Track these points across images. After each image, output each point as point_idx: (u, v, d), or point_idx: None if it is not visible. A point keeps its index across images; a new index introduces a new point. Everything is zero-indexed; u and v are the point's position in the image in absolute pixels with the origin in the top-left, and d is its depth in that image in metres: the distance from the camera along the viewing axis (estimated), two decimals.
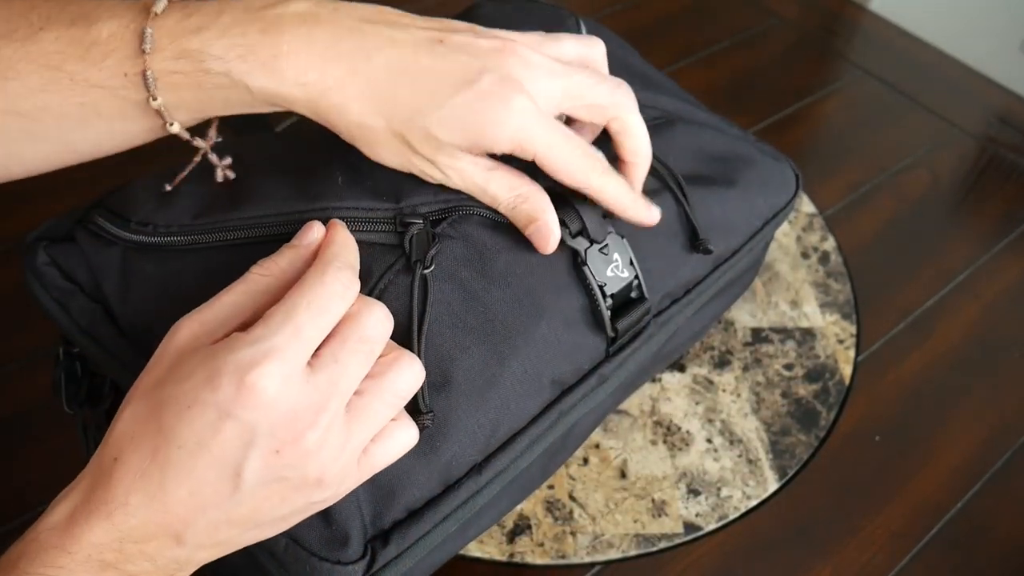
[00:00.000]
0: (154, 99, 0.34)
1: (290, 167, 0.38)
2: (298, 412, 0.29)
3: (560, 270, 0.38)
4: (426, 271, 0.35)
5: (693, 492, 0.48)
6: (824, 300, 0.59)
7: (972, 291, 0.61)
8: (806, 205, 0.65)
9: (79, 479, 0.30)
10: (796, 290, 0.59)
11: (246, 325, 0.31)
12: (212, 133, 0.37)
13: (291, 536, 0.33)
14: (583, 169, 0.36)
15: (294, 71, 0.33)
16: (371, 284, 0.35)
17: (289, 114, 0.67)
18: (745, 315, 0.57)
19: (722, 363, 0.54)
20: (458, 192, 0.37)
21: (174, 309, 0.35)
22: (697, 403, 0.52)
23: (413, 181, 0.37)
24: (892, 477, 0.50)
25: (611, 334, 0.39)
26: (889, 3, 0.89)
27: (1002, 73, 0.79)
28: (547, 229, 0.36)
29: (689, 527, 0.47)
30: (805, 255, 0.61)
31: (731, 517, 0.48)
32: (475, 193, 0.37)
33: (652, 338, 0.41)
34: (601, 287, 0.38)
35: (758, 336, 0.56)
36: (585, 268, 0.38)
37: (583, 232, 0.38)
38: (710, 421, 0.51)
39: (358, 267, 0.33)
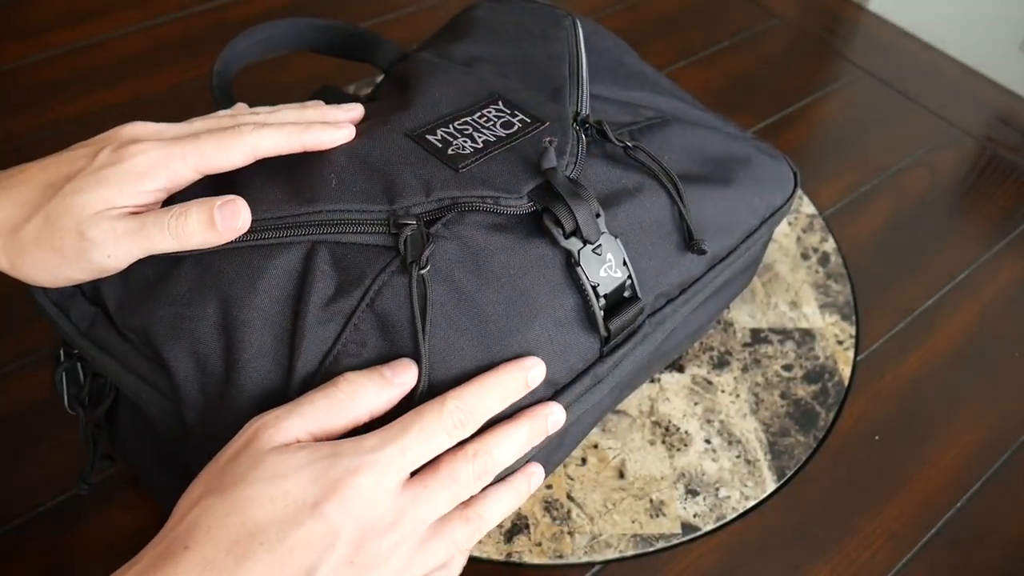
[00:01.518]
0: None
1: (282, 170, 0.38)
2: (375, 521, 0.31)
3: (554, 271, 0.38)
4: (422, 271, 0.35)
5: (691, 492, 0.48)
6: (824, 301, 0.59)
7: (972, 291, 0.61)
8: (806, 206, 0.65)
9: (138, 558, 0.30)
10: (796, 291, 0.59)
11: (318, 439, 0.32)
12: None
13: None
14: None
15: None
16: (365, 286, 0.35)
17: None
18: (744, 316, 0.57)
19: (721, 364, 0.54)
20: (452, 191, 0.37)
21: (171, 313, 0.35)
22: (696, 403, 0.52)
23: (405, 182, 0.37)
24: (891, 477, 0.50)
25: (604, 334, 0.39)
26: (889, 3, 0.89)
27: (1002, 73, 0.79)
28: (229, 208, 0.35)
29: (687, 527, 0.47)
30: (805, 256, 0.61)
31: (729, 518, 0.48)
32: None
33: (647, 338, 0.41)
34: (594, 287, 0.38)
35: (757, 337, 0.56)
36: (578, 269, 0.38)
37: (576, 232, 0.38)
38: (709, 422, 0.51)
39: (484, 416, 0.35)
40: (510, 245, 0.37)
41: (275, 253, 0.36)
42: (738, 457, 0.50)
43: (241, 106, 0.41)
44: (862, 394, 0.54)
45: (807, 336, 0.56)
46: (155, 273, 0.36)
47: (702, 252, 0.42)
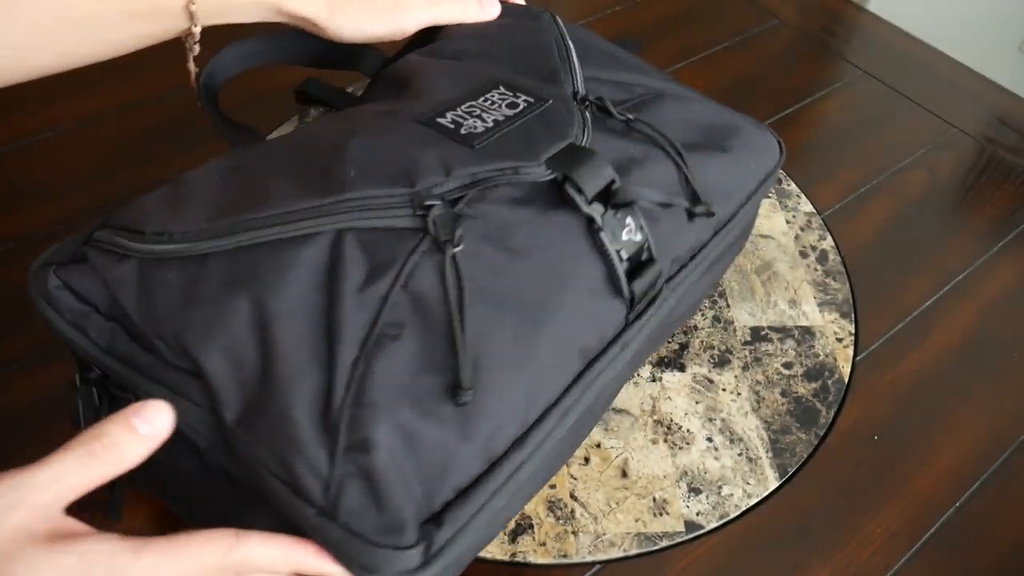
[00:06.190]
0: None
1: (300, 167, 0.38)
2: None
3: (577, 239, 0.39)
4: (456, 250, 0.35)
5: (694, 491, 0.48)
6: (823, 299, 0.59)
7: (971, 291, 0.61)
8: (804, 204, 0.65)
9: None
10: (795, 289, 0.59)
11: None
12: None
13: (346, 526, 0.32)
14: None
15: None
16: (397, 268, 0.35)
17: (279, 118, 0.67)
18: (744, 314, 0.57)
19: (722, 362, 0.55)
20: (470, 167, 0.38)
21: (202, 314, 0.35)
22: (697, 402, 0.52)
23: (425, 163, 0.38)
24: (891, 476, 0.51)
25: (628, 296, 0.40)
26: (889, 3, 0.89)
27: (1002, 73, 0.80)
28: None
29: (690, 525, 0.47)
30: (804, 254, 0.62)
31: (732, 515, 0.48)
32: None
33: (664, 303, 0.43)
34: (618, 251, 0.39)
35: (757, 335, 0.56)
36: (601, 234, 0.39)
37: (599, 197, 0.39)
38: (710, 420, 0.52)
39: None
40: (533, 218, 0.39)
41: (302, 244, 0.36)
42: (740, 455, 0.50)
43: None
44: (862, 392, 0.54)
45: (807, 334, 0.57)
46: (179, 277, 0.36)
47: (711, 214, 0.44)
